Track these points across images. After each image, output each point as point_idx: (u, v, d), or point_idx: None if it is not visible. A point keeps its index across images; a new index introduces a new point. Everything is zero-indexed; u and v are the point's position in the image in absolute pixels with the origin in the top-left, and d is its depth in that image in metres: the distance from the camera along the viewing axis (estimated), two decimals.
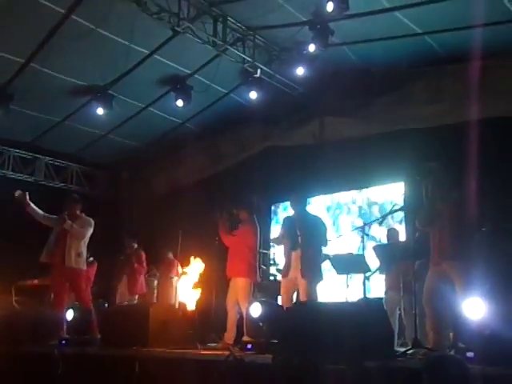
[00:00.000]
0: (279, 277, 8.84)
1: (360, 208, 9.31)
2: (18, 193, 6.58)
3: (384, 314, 4.21)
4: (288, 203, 10.15)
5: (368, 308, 4.17)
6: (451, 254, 4.69)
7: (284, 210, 10.46)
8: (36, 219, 6.70)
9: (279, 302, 7.34)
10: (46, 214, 6.75)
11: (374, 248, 6.13)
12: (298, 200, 6.21)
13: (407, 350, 4.42)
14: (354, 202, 9.45)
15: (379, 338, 3.97)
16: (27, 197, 6.57)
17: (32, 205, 6.60)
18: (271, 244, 6.54)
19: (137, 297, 8.55)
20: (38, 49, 8.08)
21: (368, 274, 6.32)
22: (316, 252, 5.77)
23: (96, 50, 8.17)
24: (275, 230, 10.36)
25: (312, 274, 5.67)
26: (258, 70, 8.73)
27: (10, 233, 9.29)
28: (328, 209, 9.75)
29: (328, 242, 6.12)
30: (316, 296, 5.63)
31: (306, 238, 5.72)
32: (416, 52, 8.18)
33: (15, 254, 9.00)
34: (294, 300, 5.83)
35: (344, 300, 5.46)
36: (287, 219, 6.33)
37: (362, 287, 5.61)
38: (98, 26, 7.65)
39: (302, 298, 5.60)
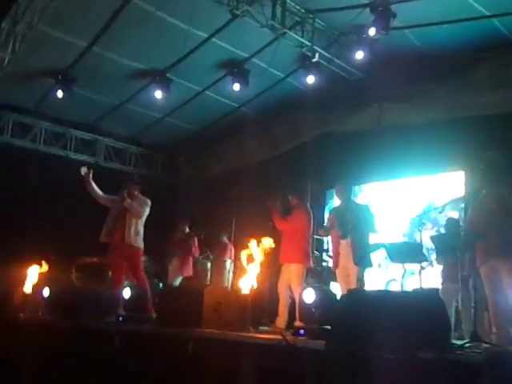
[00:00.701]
0: (331, 263, 8.82)
1: (418, 196, 9.07)
2: (83, 169, 6.73)
3: (441, 304, 4.09)
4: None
5: (425, 298, 4.07)
6: (503, 251, 4.53)
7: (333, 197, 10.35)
8: (95, 198, 6.86)
9: (331, 288, 7.34)
10: (105, 195, 6.91)
11: (432, 238, 5.96)
12: (343, 189, 6.14)
13: (465, 344, 4.30)
14: (411, 190, 9.22)
15: (435, 329, 3.87)
16: (91, 175, 6.73)
17: (93, 184, 6.76)
18: (319, 235, 6.50)
19: (181, 278, 8.66)
20: (100, 32, 8.26)
21: (424, 264, 6.19)
22: (365, 239, 5.74)
23: (156, 34, 8.28)
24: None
25: (363, 261, 5.65)
26: (316, 54, 8.61)
27: (72, 211, 9.59)
28: (384, 196, 9.57)
29: (377, 229, 6.03)
30: (364, 282, 5.64)
31: (355, 227, 5.67)
32: (482, 36, 7.84)
33: (76, 232, 9.32)
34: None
35: (399, 289, 5.37)
36: (335, 209, 6.29)
37: (419, 277, 5.47)
38: (159, 9, 7.75)
39: (352, 285, 5.57)
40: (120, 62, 8.93)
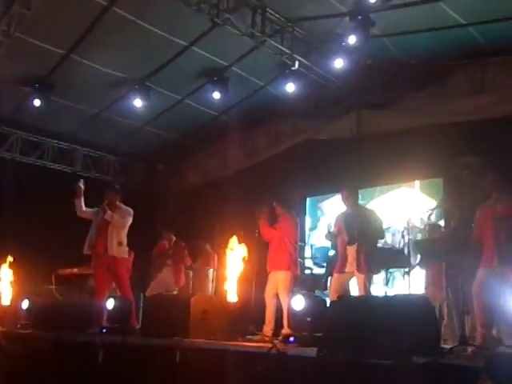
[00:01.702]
0: (315, 270, 8.84)
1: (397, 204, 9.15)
2: (81, 183, 6.69)
3: (431, 309, 4.14)
4: (320, 197, 10.29)
5: (415, 303, 4.10)
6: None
7: (312, 204, 10.41)
8: (77, 212, 6.77)
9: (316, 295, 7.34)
10: (87, 209, 6.81)
11: (415, 243, 6.02)
12: (349, 194, 6.12)
13: (454, 347, 4.33)
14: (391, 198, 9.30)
15: (426, 333, 3.90)
16: (82, 189, 6.68)
17: (82, 198, 6.70)
18: (326, 237, 6.44)
19: (177, 289, 8.60)
20: (78, 40, 8.17)
21: (408, 269, 6.24)
22: (372, 246, 5.69)
23: (135, 42, 8.23)
24: (308, 224, 10.34)
25: (369, 268, 5.61)
26: (296, 63, 8.65)
27: (50, 222, 9.43)
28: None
29: (384, 235, 6.02)
30: (370, 290, 5.58)
31: (362, 233, 5.64)
32: (458, 44, 7.98)
33: (55, 244, 9.17)
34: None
35: (386, 295, 5.39)
36: (342, 215, 6.25)
37: (404, 282, 5.51)
38: (138, 17, 7.71)
39: (360, 293, 5.55)
40: (99, 69, 8.83)
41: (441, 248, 5.69)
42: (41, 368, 5.84)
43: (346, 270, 5.74)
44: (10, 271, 8.18)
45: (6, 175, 9.96)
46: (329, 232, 6.34)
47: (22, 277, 8.21)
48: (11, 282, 8.10)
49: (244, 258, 6.08)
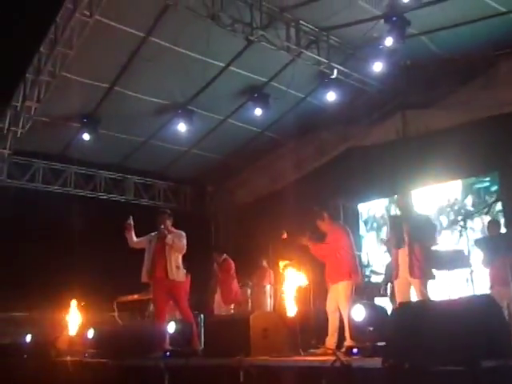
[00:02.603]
0: (374, 278, 8.66)
1: (454, 202, 8.90)
2: (130, 220, 6.85)
3: (498, 309, 3.96)
4: (372, 202, 10.13)
5: (480, 304, 3.93)
6: None
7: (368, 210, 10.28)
8: (129, 244, 6.87)
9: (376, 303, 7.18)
10: (138, 239, 6.89)
11: (476, 241, 5.82)
12: (403, 198, 5.99)
13: None
14: (445, 197, 9.05)
15: (494, 335, 3.73)
16: (132, 225, 6.83)
17: (133, 232, 6.82)
18: (383, 245, 6.30)
19: (233, 306, 8.61)
20: (120, 73, 8.43)
21: (470, 270, 6.03)
22: (424, 250, 5.50)
23: (174, 68, 8.42)
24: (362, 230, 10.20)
25: (422, 272, 5.43)
26: (335, 71, 8.60)
27: (108, 253, 9.66)
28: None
29: (437, 241, 5.80)
30: (427, 295, 5.40)
31: (413, 238, 5.48)
32: (499, 33, 7.77)
33: (115, 273, 9.39)
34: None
35: (448, 298, 5.21)
36: (393, 218, 6.13)
37: (467, 283, 5.33)
38: (174, 44, 7.89)
39: (417, 298, 5.38)
40: (142, 99, 9.08)
41: (503, 245, 5.51)
42: None
43: (400, 275, 5.58)
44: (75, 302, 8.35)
45: (61, 209, 10.26)
46: (381, 238, 6.18)
47: (86, 307, 8.38)
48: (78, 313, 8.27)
49: (300, 272, 6.01)
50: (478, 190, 8.60)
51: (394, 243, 5.62)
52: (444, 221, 8.81)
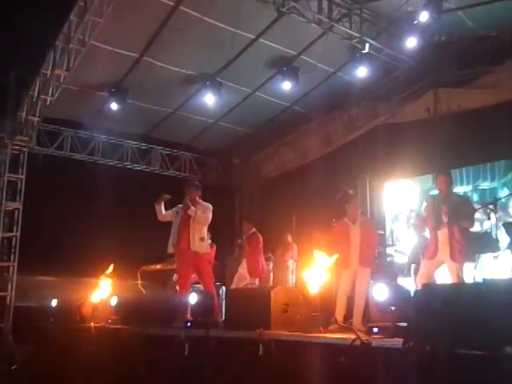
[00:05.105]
0: (397, 258, 8.59)
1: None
2: (167, 196, 6.87)
3: None
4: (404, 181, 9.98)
5: (505, 287, 3.84)
6: None
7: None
8: (158, 217, 6.90)
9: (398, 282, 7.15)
10: (166, 212, 6.90)
11: (505, 225, 5.68)
12: (443, 180, 5.87)
13: None
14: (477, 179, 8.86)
15: None
16: (166, 199, 6.86)
17: (162, 204, 6.84)
18: (418, 225, 6.24)
19: (257, 280, 8.63)
20: (149, 42, 8.37)
21: (497, 254, 5.93)
22: (463, 232, 5.40)
23: (203, 39, 8.34)
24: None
25: (462, 256, 5.36)
26: (366, 45, 8.43)
27: (135, 222, 9.76)
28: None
29: (474, 223, 5.69)
30: (463, 278, 5.33)
31: (451, 220, 5.39)
32: None
33: (140, 242, 9.51)
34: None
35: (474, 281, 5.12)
36: (432, 199, 6.04)
37: (492, 268, 5.23)
38: (205, 14, 7.78)
39: (453, 281, 5.31)
40: (170, 69, 9.03)
41: None
42: (131, 360, 6.05)
43: (437, 257, 5.48)
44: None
45: (87, 177, 10.37)
46: (417, 217, 6.08)
47: (112, 274, 8.48)
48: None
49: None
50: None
51: (432, 224, 5.53)
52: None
